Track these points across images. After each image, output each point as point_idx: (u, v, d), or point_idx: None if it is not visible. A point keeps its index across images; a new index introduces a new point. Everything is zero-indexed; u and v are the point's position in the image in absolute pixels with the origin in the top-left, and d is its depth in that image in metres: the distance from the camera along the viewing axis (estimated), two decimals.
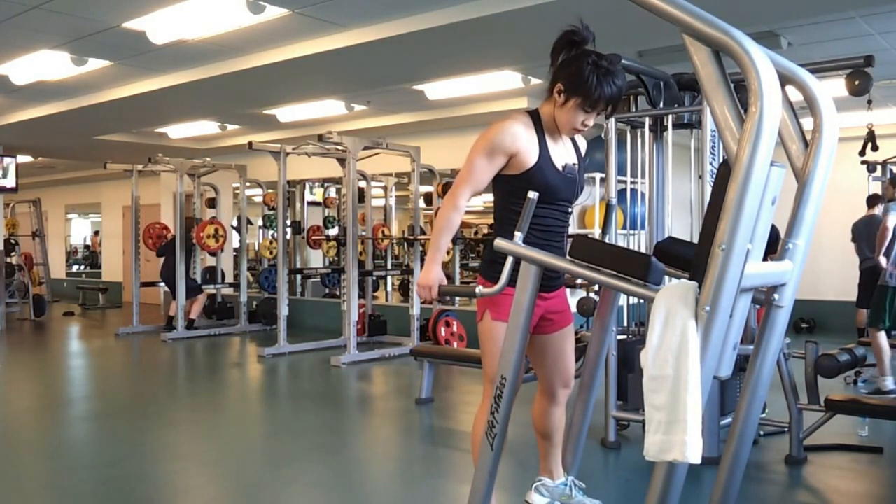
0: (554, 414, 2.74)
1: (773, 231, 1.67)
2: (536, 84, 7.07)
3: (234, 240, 11.04)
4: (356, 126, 8.91)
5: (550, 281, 2.20)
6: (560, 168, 2.47)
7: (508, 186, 2.41)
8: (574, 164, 2.52)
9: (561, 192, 2.44)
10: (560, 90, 2.35)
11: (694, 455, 1.50)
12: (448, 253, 9.27)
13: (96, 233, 16.65)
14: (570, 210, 2.54)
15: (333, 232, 10.41)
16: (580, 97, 2.32)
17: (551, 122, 2.44)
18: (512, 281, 2.31)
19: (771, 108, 1.46)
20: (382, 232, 9.59)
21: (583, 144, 2.62)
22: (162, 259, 9.92)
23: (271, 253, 10.21)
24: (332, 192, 11.24)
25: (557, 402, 2.72)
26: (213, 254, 10.28)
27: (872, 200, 7.86)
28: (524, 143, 2.38)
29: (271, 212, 10.48)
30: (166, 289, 10.22)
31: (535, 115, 2.44)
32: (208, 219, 10.11)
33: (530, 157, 2.37)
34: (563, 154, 2.51)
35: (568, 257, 1.92)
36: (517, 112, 2.43)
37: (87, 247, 18.37)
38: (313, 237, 10.51)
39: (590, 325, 6.87)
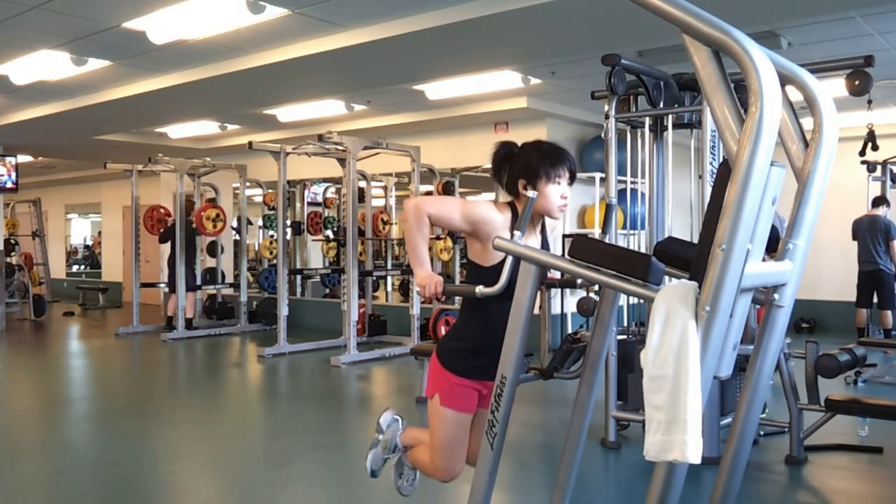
0: None
1: (773, 231, 1.67)
2: (536, 84, 7.07)
3: (234, 239, 11.05)
4: (356, 126, 8.91)
5: (494, 371, 2.22)
6: None
7: (475, 277, 2.45)
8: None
9: None
10: (524, 185, 2.41)
11: (694, 455, 1.50)
12: (448, 252, 9.27)
13: (98, 233, 16.64)
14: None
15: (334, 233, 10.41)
16: (545, 176, 2.38)
17: (529, 220, 2.46)
18: (457, 368, 2.47)
19: (771, 108, 1.45)
20: (382, 220, 9.56)
21: (551, 226, 2.65)
22: (167, 253, 9.88)
23: (271, 253, 10.21)
24: (332, 192, 11.24)
25: None
26: (212, 244, 10.23)
27: (878, 202, 7.87)
28: (497, 232, 2.38)
29: (271, 212, 10.49)
30: (166, 288, 10.22)
31: (513, 210, 2.47)
32: (210, 203, 10.06)
33: (499, 253, 2.37)
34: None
35: (567, 257, 1.91)
36: (503, 204, 2.46)
37: (87, 247, 18.37)
38: (312, 225, 10.47)
39: (590, 325, 6.87)
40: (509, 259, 2.11)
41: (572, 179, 2.46)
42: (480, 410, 2.59)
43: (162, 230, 10.09)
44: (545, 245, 2.61)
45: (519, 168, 2.43)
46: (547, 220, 2.57)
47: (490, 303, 2.38)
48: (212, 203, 10.00)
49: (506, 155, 2.48)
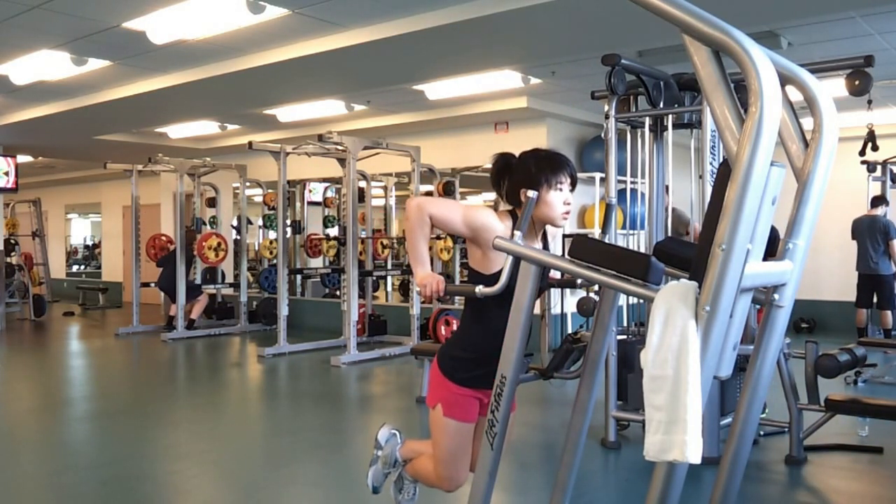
0: None
1: (773, 231, 1.67)
2: (536, 84, 7.07)
3: (234, 239, 11.05)
4: (356, 126, 8.91)
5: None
6: None
7: (476, 284, 2.43)
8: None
9: None
10: (526, 193, 2.38)
11: (694, 455, 1.50)
12: (448, 252, 9.27)
13: (99, 242, 16.65)
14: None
15: (334, 232, 10.40)
16: (546, 183, 2.38)
17: (531, 229, 2.46)
18: (458, 378, 2.46)
19: (771, 108, 1.45)
20: (381, 244, 9.57)
21: (552, 234, 2.64)
22: (160, 268, 9.97)
23: (271, 253, 10.21)
24: (331, 192, 11.25)
25: None
26: (212, 270, 10.31)
27: (877, 201, 7.86)
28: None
29: (271, 212, 10.49)
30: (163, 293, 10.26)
31: (515, 219, 2.45)
32: (213, 231, 10.11)
33: (500, 259, 2.37)
34: None
35: (567, 257, 1.91)
36: (504, 213, 2.45)
37: (87, 246, 18.37)
38: (312, 244, 10.46)
39: (590, 325, 6.87)
40: (509, 261, 2.10)
41: (573, 185, 2.45)
42: (482, 419, 2.59)
43: (160, 257, 10.16)
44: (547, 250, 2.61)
45: (519, 178, 2.42)
46: (548, 228, 2.57)
47: (491, 310, 2.38)
48: (215, 233, 10.03)
49: (504, 166, 2.47)
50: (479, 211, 2.41)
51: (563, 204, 2.41)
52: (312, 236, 10.59)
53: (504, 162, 2.48)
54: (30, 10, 4.92)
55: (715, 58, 1.53)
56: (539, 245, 2.54)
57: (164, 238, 10.59)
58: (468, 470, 2.60)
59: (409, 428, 5.05)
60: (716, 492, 1.83)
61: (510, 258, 2.23)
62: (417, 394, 5.67)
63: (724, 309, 1.50)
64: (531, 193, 2.15)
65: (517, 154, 2.48)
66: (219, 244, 9.76)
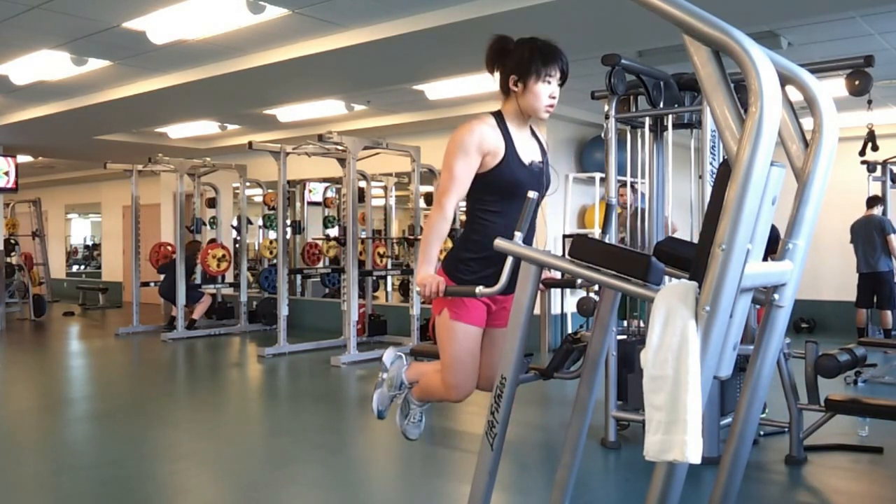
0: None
1: (773, 231, 1.67)
2: None
3: (234, 239, 11.05)
4: (356, 126, 8.91)
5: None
6: (527, 164, 2.52)
7: (477, 184, 2.45)
8: (540, 162, 2.58)
9: (528, 187, 2.47)
10: (515, 80, 2.43)
11: (694, 455, 1.50)
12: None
13: (99, 243, 16.65)
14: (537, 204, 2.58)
15: (334, 232, 10.40)
16: (535, 73, 2.39)
17: (517, 117, 2.49)
18: (465, 281, 2.42)
19: (771, 108, 1.46)
20: (378, 253, 9.57)
21: (544, 138, 2.68)
22: (162, 274, 9.99)
23: (271, 253, 10.21)
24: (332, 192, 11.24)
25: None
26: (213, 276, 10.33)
27: (872, 202, 7.86)
28: (492, 142, 2.43)
29: (271, 212, 10.48)
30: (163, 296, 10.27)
31: (498, 116, 2.49)
32: (218, 242, 10.13)
33: (497, 154, 2.42)
34: (528, 151, 2.56)
35: (567, 257, 1.91)
36: (480, 114, 2.48)
37: (87, 246, 18.37)
38: (310, 253, 10.44)
39: (590, 325, 6.87)
40: (510, 261, 2.09)
41: (563, 80, 2.46)
42: (490, 329, 2.56)
43: (161, 265, 10.17)
44: (544, 150, 2.62)
45: (512, 64, 2.42)
46: (539, 137, 2.59)
47: (498, 206, 2.38)
48: (220, 244, 10.04)
49: (500, 50, 2.47)
50: (460, 136, 2.40)
51: (548, 97, 2.43)
52: (310, 244, 10.55)
53: (501, 44, 2.48)
54: (30, 10, 4.92)
55: (715, 58, 1.53)
56: (533, 141, 2.54)
57: (169, 248, 10.57)
58: (476, 380, 2.57)
59: None
60: (716, 492, 1.83)
61: (505, 149, 2.24)
62: None
63: (724, 309, 1.50)
64: (531, 194, 2.15)
65: (516, 39, 2.48)
66: (223, 255, 9.77)
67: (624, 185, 6.34)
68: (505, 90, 2.47)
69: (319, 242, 10.62)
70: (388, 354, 2.98)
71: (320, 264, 10.47)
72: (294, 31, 5.47)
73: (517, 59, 2.42)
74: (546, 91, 2.42)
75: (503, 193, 2.13)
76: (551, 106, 2.46)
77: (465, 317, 2.48)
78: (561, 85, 2.47)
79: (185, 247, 9.65)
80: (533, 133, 2.61)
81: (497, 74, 2.48)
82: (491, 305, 2.50)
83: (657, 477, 1.59)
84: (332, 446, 4.57)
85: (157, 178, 12.06)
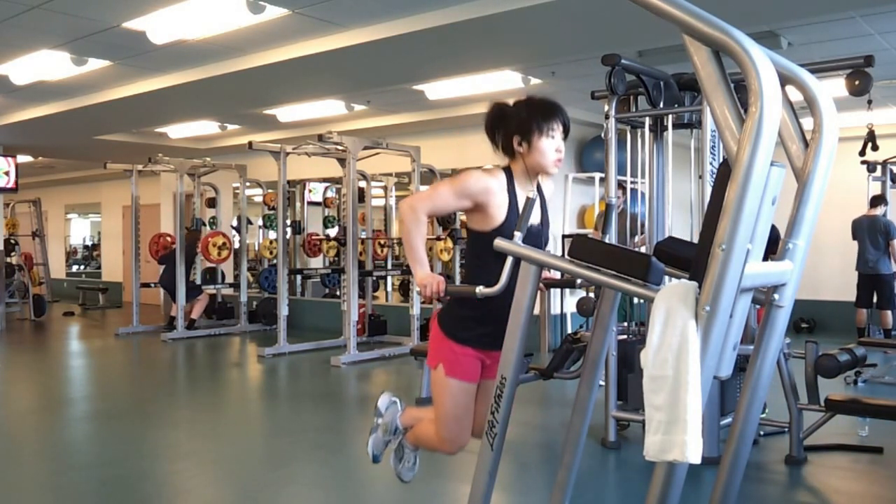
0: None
1: (773, 231, 1.67)
2: (536, 84, 7.06)
3: (235, 240, 11.06)
4: (356, 126, 8.91)
5: (499, 341, 2.20)
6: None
7: (478, 243, 2.45)
8: (539, 224, 2.56)
9: None
10: (519, 141, 2.42)
11: (694, 455, 1.50)
12: (448, 252, 9.26)
13: (98, 244, 16.65)
14: None
15: (334, 232, 10.40)
16: (537, 130, 2.39)
17: (524, 177, 2.48)
18: (461, 338, 2.45)
19: (771, 108, 1.46)
20: (379, 243, 9.58)
21: (549, 190, 2.66)
22: (162, 266, 9.97)
23: (271, 253, 10.21)
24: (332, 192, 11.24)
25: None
26: (212, 270, 10.31)
27: (876, 201, 7.86)
28: (495, 200, 2.40)
29: (271, 212, 10.49)
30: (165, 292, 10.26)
31: (508, 174, 2.48)
32: (218, 230, 10.12)
33: (499, 216, 2.40)
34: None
35: (567, 257, 1.91)
36: (495, 168, 2.46)
37: (86, 246, 18.37)
38: (311, 243, 10.46)
39: (590, 325, 6.87)
40: (510, 262, 2.09)
41: (566, 133, 2.46)
42: (483, 381, 2.58)
43: (162, 255, 10.17)
44: (545, 207, 2.61)
45: (513, 126, 2.42)
46: (545, 188, 2.57)
47: (494, 268, 2.38)
48: (220, 232, 10.03)
49: (498, 115, 2.48)
50: (469, 177, 2.40)
51: (554, 151, 2.42)
52: (312, 235, 10.58)
53: (498, 111, 2.48)
54: (30, 10, 4.92)
55: (715, 58, 1.53)
56: (533, 190, 2.54)
57: (168, 238, 10.58)
58: (470, 432, 2.59)
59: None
60: (716, 492, 1.83)
61: (507, 212, 2.24)
62: (417, 394, 5.66)
63: (724, 309, 1.50)
64: (531, 194, 2.15)
65: (511, 102, 2.48)
66: (223, 243, 9.75)
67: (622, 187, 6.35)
68: (510, 152, 2.45)
69: (320, 233, 10.65)
70: (383, 400, 3.01)
71: (320, 260, 10.48)
72: (294, 31, 5.47)
73: (517, 119, 2.42)
74: (552, 146, 2.41)
75: (504, 255, 2.12)
76: (559, 160, 2.45)
77: (460, 373, 2.49)
78: (564, 138, 2.46)
79: (185, 237, 9.62)
80: (538, 189, 2.60)
81: (500, 139, 2.47)
82: (485, 360, 2.51)
83: (657, 477, 1.59)
84: (332, 446, 4.57)
85: (157, 178, 12.06)
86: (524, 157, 2.44)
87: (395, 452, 2.95)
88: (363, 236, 9.24)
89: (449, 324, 2.52)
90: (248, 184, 10.35)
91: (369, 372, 7.16)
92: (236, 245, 10.89)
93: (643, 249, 5.00)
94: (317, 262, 11.28)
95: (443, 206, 2.42)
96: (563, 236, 8.27)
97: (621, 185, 5.42)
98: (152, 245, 10.44)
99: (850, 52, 4.84)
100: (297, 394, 6.53)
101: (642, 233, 5.87)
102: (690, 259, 1.74)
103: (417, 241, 2.39)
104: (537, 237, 2.55)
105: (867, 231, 7.79)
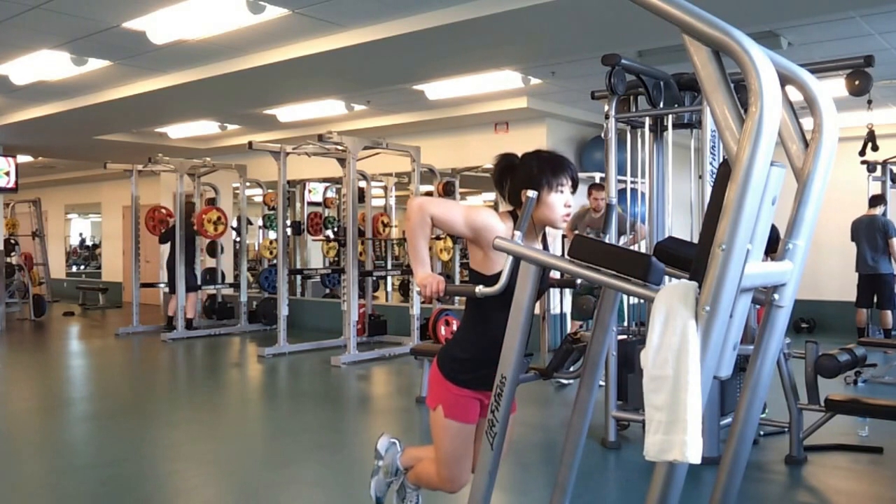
0: None
1: (773, 231, 1.66)
2: (536, 84, 7.07)
3: (234, 239, 11.05)
4: (356, 126, 8.91)
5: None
6: None
7: (479, 283, 2.43)
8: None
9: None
10: (526, 193, 2.39)
11: (694, 455, 1.50)
12: (448, 252, 9.27)
13: (99, 243, 16.63)
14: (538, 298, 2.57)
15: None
16: (547, 185, 2.39)
17: (531, 229, 2.47)
18: (460, 380, 2.45)
19: (771, 108, 1.45)
20: (382, 222, 9.56)
21: (552, 235, 2.66)
22: (167, 253, 9.91)
23: (271, 253, 10.21)
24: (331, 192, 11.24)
25: None
26: (212, 244, 10.24)
27: (875, 201, 7.86)
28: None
29: (271, 212, 10.49)
30: (166, 288, 10.22)
31: (515, 219, 2.46)
32: (213, 206, 10.06)
33: (501, 260, 2.36)
34: None
35: (567, 257, 1.91)
36: (505, 214, 2.46)
37: (87, 246, 18.37)
38: (313, 221, 10.44)
39: (590, 325, 6.87)
40: (510, 262, 2.10)
41: (575, 187, 2.46)
42: (483, 420, 2.58)
43: (163, 231, 10.12)
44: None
45: (521, 179, 2.42)
46: (548, 230, 2.57)
47: (493, 311, 2.38)
48: (213, 205, 10.00)
49: (507, 166, 2.48)
50: (481, 211, 2.41)
51: (563, 206, 2.42)
52: (313, 214, 10.54)
53: (506, 162, 2.50)
54: (30, 10, 4.92)
55: (715, 58, 1.53)
56: (539, 246, 2.54)
57: (163, 210, 10.50)
58: (470, 470, 2.61)
59: (410, 428, 5.06)
60: (716, 492, 1.83)
61: (510, 259, 2.23)
62: (417, 394, 5.67)
63: (724, 309, 1.50)
64: (531, 193, 2.16)
65: (519, 154, 2.49)
66: (218, 217, 9.66)
67: (596, 186, 6.35)
68: (516, 203, 2.45)
69: (319, 210, 10.60)
70: (383, 442, 3.02)
71: (320, 260, 10.45)
72: (294, 31, 5.47)
73: (526, 173, 2.41)
74: (561, 200, 2.41)
75: (505, 303, 2.12)
76: (567, 215, 2.45)
77: (459, 415, 2.50)
78: (573, 192, 2.46)
79: (184, 206, 9.51)
80: (543, 237, 2.59)
81: (508, 190, 2.47)
82: (483, 400, 2.52)
83: (657, 477, 1.59)
84: (332, 446, 4.57)
85: (157, 178, 12.06)
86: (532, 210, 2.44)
87: (397, 493, 2.97)
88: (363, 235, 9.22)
89: (448, 366, 2.52)
90: (248, 184, 10.35)
91: (369, 372, 7.16)
92: (236, 240, 10.89)
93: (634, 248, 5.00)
94: (317, 262, 11.29)
95: (450, 220, 2.42)
96: (563, 236, 8.26)
97: (601, 186, 5.43)
98: (149, 220, 10.33)
99: (850, 52, 4.84)
100: (298, 394, 6.53)
101: (631, 232, 5.88)
102: (690, 259, 1.74)
103: (420, 241, 2.39)
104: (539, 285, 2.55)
105: (865, 231, 7.79)
